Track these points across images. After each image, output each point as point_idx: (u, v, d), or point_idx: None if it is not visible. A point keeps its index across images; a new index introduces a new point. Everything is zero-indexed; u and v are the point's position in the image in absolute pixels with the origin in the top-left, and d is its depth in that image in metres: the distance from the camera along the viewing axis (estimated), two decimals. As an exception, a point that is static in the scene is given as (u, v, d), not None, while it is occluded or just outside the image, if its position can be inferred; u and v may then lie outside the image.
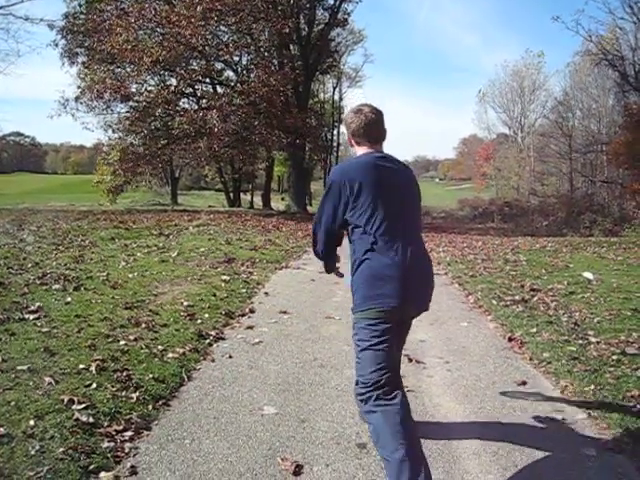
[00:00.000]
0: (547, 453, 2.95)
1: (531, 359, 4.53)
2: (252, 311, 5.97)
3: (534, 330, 5.16)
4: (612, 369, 4.06)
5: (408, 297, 2.64)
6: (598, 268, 8.35)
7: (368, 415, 2.63)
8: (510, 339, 5.07)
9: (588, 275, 7.54)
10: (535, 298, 6.43)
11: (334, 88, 47.84)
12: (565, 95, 40.21)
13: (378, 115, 2.89)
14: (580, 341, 4.73)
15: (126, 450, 2.87)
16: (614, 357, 4.28)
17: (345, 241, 2.91)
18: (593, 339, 4.76)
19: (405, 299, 2.62)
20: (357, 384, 2.75)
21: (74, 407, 3.11)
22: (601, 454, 2.94)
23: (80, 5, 24.68)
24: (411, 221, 2.82)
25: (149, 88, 21.28)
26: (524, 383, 4.00)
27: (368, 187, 2.67)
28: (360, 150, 2.90)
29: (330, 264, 3.09)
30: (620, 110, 29.00)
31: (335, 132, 46.64)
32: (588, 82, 37.25)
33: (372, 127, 2.87)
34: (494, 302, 6.42)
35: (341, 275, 3.15)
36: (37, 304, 5.14)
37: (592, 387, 3.76)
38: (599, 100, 36.08)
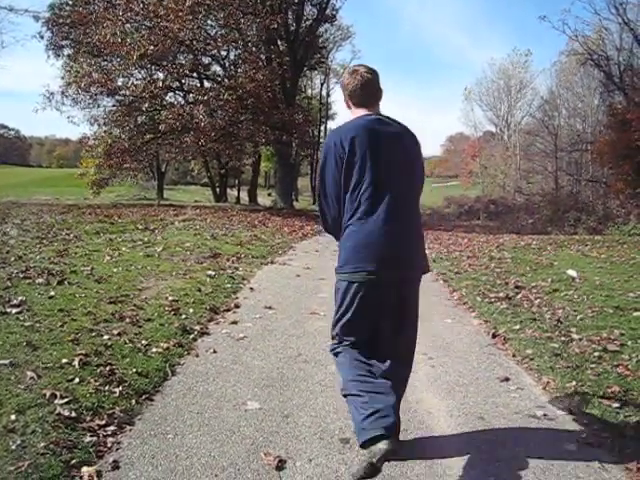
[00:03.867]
0: (529, 448, 2.98)
1: (514, 355, 4.57)
2: (237, 306, 5.96)
3: (518, 327, 5.20)
4: (593, 366, 4.10)
5: (386, 264, 2.68)
6: (582, 266, 8.42)
7: (336, 358, 2.93)
8: (494, 335, 5.11)
9: (572, 273, 7.61)
10: (519, 295, 6.48)
11: (322, 84, 47.90)
12: (551, 94, 40.51)
13: (374, 75, 2.90)
14: (563, 338, 4.78)
15: (108, 445, 2.85)
16: (596, 354, 4.33)
17: None
18: (575, 336, 4.80)
19: (382, 265, 2.67)
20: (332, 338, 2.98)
21: (56, 402, 3.09)
22: (581, 449, 2.97)
23: (66, -4, 24.47)
24: (402, 189, 2.78)
25: (136, 82, 21.09)
26: (507, 379, 4.02)
27: (360, 149, 2.68)
28: (357, 112, 2.89)
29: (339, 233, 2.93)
30: (605, 110, 29.23)
31: (322, 128, 46.64)
32: (574, 81, 37.52)
33: (368, 87, 2.88)
34: (478, 299, 6.46)
35: None
36: (20, 298, 5.08)
37: (574, 383, 3.80)
38: (585, 99, 36.36)
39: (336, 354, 2.91)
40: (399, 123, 2.89)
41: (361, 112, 2.87)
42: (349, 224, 2.73)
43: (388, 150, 2.73)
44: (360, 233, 2.69)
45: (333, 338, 2.96)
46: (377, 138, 2.72)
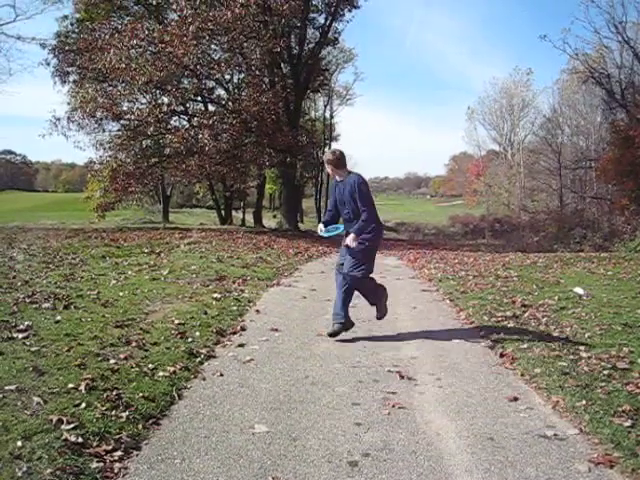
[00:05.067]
0: (539, 469, 2.94)
1: (522, 375, 4.53)
2: (243, 329, 5.94)
3: (525, 346, 5.16)
4: (603, 384, 4.06)
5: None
6: (589, 283, 8.38)
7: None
8: (501, 355, 5.08)
9: (579, 290, 7.57)
10: (526, 314, 6.44)
11: (325, 106, 48.26)
12: (553, 112, 40.76)
13: (342, 154, 5.66)
14: (571, 356, 4.74)
15: (115, 470, 2.83)
16: (605, 372, 4.29)
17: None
18: (584, 354, 4.77)
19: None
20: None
21: (63, 427, 3.08)
22: (593, 469, 2.93)
23: (72, 24, 24.87)
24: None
25: (140, 106, 21.28)
26: (516, 399, 3.99)
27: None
28: (337, 172, 5.65)
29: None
30: (608, 127, 29.36)
31: (326, 149, 46.82)
32: (576, 99, 37.79)
33: (341, 160, 5.63)
34: (485, 318, 6.43)
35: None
36: (26, 323, 5.09)
37: (583, 402, 3.76)
38: (587, 117, 36.59)
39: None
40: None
41: (340, 172, 5.63)
42: (372, 229, 5.55)
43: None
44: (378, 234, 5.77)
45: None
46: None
